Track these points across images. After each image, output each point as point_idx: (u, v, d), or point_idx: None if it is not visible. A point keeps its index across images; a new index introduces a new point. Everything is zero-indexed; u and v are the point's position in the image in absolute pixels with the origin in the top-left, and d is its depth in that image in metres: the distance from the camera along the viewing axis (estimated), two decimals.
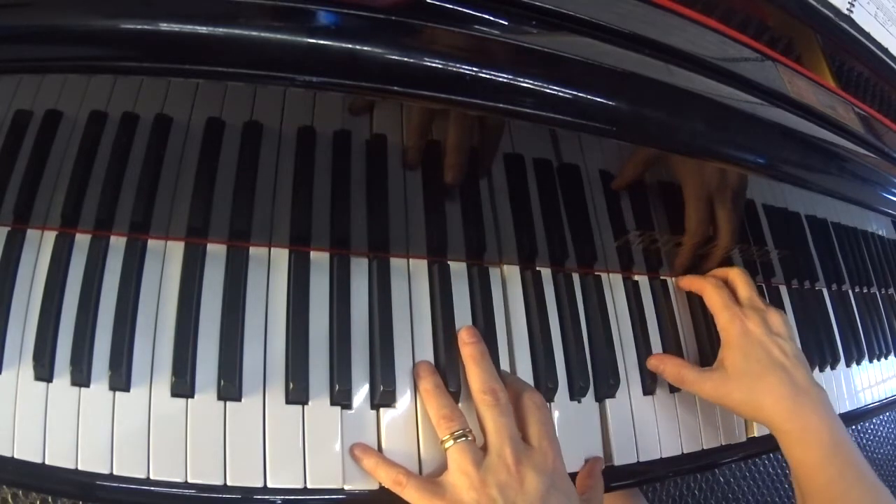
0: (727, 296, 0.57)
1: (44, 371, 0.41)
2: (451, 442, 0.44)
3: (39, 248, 0.44)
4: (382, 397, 0.46)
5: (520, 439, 0.45)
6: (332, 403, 0.45)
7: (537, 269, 0.55)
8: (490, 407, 0.45)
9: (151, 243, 0.46)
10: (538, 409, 0.47)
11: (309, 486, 0.43)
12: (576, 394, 0.53)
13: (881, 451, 1.52)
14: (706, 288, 0.58)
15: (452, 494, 0.43)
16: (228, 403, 0.43)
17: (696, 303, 0.62)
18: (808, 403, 0.50)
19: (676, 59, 0.42)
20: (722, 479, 1.26)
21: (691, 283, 0.61)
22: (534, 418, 0.47)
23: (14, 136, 0.39)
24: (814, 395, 0.51)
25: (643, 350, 0.57)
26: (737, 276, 0.59)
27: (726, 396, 0.53)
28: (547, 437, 0.46)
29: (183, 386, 0.43)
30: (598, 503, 0.49)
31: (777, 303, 0.69)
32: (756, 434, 0.60)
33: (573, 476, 0.50)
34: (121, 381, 0.42)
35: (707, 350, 0.61)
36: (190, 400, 0.43)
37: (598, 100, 0.38)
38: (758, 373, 0.52)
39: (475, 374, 0.47)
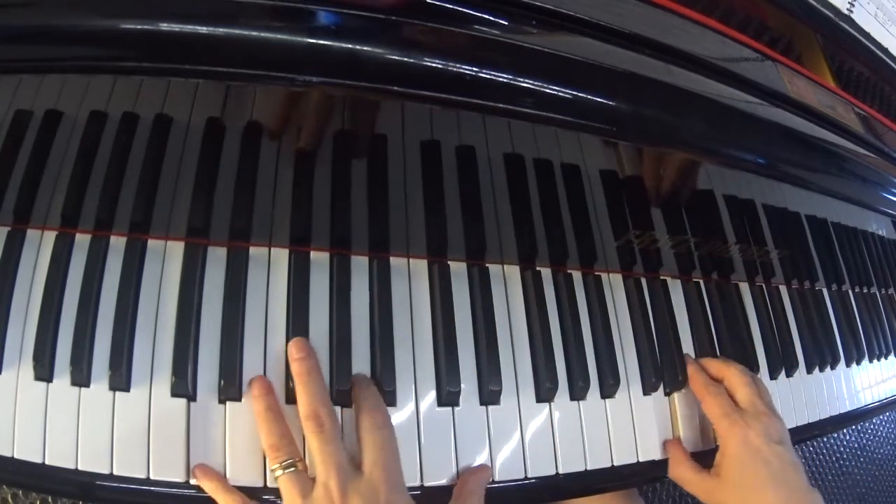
0: (726, 403, 0.55)
1: (44, 371, 0.41)
2: (280, 472, 0.41)
3: (39, 248, 0.44)
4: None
5: (348, 468, 0.42)
6: (333, 403, 0.45)
7: (537, 269, 0.55)
8: (314, 434, 0.42)
9: (151, 243, 0.46)
10: (377, 430, 0.43)
11: None
12: (576, 394, 0.53)
13: (881, 451, 1.52)
14: (706, 395, 0.56)
15: None
16: (228, 403, 0.43)
17: (695, 304, 0.62)
18: None
19: (676, 59, 0.42)
20: None
21: (694, 381, 0.58)
22: (370, 442, 0.43)
23: (14, 136, 0.39)
24: (808, 501, 0.51)
25: (643, 350, 0.57)
26: (735, 377, 0.57)
27: (719, 503, 0.53)
28: (380, 464, 0.42)
29: (183, 386, 0.43)
30: None
31: (777, 303, 0.69)
32: None
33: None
34: (121, 381, 0.42)
35: (706, 350, 0.61)
36: (190, 400, 0.43)
37: (598, 100, 0.38)
38: (752, 485, 0.51)
39: (301, 396, 0.43)
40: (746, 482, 0.52)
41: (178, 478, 0.41)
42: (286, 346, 0.46)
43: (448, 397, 0.48)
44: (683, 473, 0.55)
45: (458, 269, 0.52)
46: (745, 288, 0.67)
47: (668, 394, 0.58)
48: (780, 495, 0.50)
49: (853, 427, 1.46)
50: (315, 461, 0.42)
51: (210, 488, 0.42)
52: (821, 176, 0.50)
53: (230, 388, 0.43)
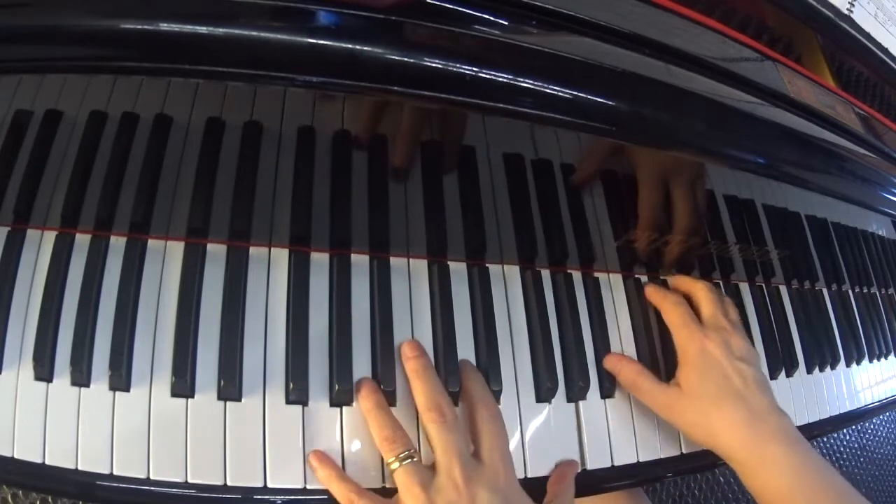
0: (686, 313, 0.54)
1: (44, 371, 0.41)
2: (397, 464, 0.43)
3: (39, 248, 0.44)
4: None
5: (469, 456, 0.44)
6: (333, 403, 0.45)
7: (537, 269, 0.55)
8: (436, 424, 0.44)
9: (151, 243, 0.46)
10: (491, 421, 0.46)
11: (309, 486, 0.43)
12: (576, 394, 0.53)
13: (881, 451, 1.52)
14: (665, 303, 0.55)
15: None
16: (228, 403, 0.43)
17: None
18: (765, 432, 0.48)
19: (676, 59, 0.42)
20: (722, 479, 1.26)
21: (652, 295, 0.58)
22: (486, 432, 0.45)
23: (14, 136, 0.39)
24: (773, 422, 0.48)
25: (643, 350, 0.57)
26: (701, 291, 0.56)
27: (678, 416, 0.51)
28: (498, 452, 0.45)
29: (183, 386, 0.43)
30: None
31: (777, 303, 0.69)
32: None
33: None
34: (121, 381, 0.42)
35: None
36: (190, 400, 0.43)
37: (598, 100, 0.38)
38: (713, 397, 0.49)
39: (419, 389, 0.45)
40: (706, 394, 0.50)
41: (178, 478, 0.41)
42: (286, 345, 0.46)
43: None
44: (641, 384, 0.52)
45: (458, 269, 0.52)
46: (745, 288, 0.67)
47: None
48: (741, 413, 0.48)
49: (853, 427, 1.47)
50: (436, 450, 0.43)
51: (324, 476, 0.43)
52: (821, 176, 0.50)
53: (230, 388, 0.43)
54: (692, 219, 0.53)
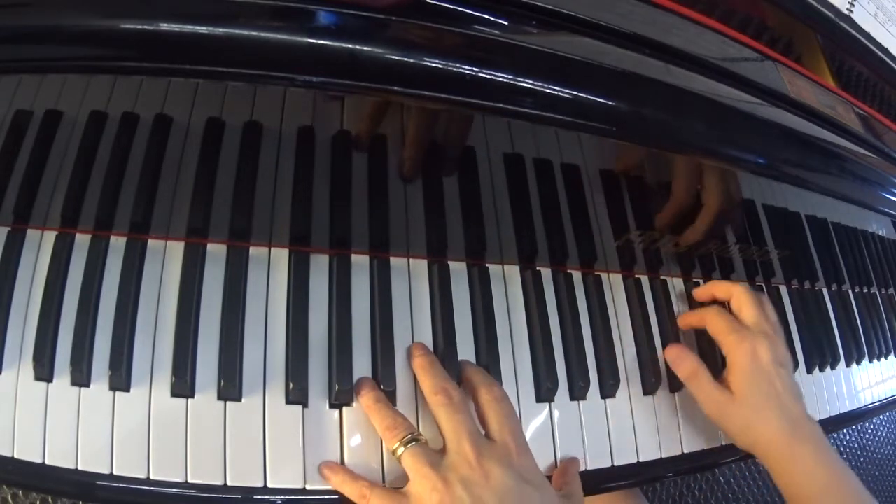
0: (731, 318, 0.55)
1: (44, 371, 0.41)
2: (402, 449, 0.42)
3: (39, 248, 0.44)
4: None
5: (480, 434, 0.44)
6: (332, 403, 0.45)
7: (537, 268, 0.55)
8: (443, 406, 0.44)
9: (151, 243, 0.46)
10: (498, 402, 0.46)
11: (309, 486, 0.43)
12: (576, 394, 0.53)
13: (881, 451, 1.52)
14: (707, 315, 0.56)
15: (417, 501, 0.41)
16: (228, 403, 0.43)
17: (696, 304, 0.62)
18: (800, 438, 0.51)
19: (676, 59, 0.42)
20: (722, 479, 1.26)
21: (690, 319, 0.59)
22: (493, 412, 0.45)
23: (14, 136, 0.39)
24: (807, 429, 0.52)
25: (644, 350, 0.57)
26: (742, 295, 0.56)
27: (727, 419, 0.53)
28: (509, 431, 0.45)
29: (183, 386, 0.43)
30: (579, 499, 0.48)
31: (777, 303, 0.69)
32: None
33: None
34: (121, 381, 0.42)
35: (707, 351, 0.61)
36: (190, 400, 0.43)
37: (598, 100, 0.38)
38: (758, 404, 0.52)
39: (425, 380, 0.46)
40: (753, 400, 0.52)
41: (178, 478, 0.41)
42: (286, 345, 0.46)
43: None
44: (701, 378, 0.53)
45: (458, 269, 0.52)
46: None
47: (670, 393, 0.58)
48: (782, 421, 0.51)
49: (853, 427, 1.47)
50: (445, 431, 0.43)
51: (337, 482, 0.43)
52: (821, 176, 0.50)
53: (230, 388, 0.43)
54: (705, 221, 0.54)
